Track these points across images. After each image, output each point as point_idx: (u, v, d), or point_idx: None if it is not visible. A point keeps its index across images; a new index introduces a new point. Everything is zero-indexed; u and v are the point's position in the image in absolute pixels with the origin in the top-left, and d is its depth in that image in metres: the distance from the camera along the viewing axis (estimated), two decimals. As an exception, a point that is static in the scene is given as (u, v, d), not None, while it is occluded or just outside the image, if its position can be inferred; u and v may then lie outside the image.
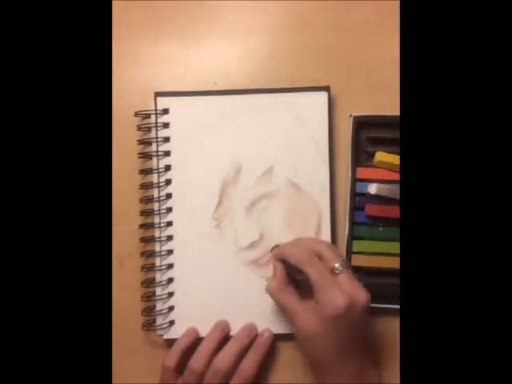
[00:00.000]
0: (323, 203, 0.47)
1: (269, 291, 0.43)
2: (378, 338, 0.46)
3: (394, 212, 0.45)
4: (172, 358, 0.44)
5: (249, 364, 0.43)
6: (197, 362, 0.43)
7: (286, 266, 0.43)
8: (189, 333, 0.45)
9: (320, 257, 0.41)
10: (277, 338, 0.46)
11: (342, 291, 0.39)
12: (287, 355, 0.47)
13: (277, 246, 0.45)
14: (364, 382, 0.41)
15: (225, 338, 0.45)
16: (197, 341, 0.45)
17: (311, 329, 0.40)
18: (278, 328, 0.46)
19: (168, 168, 0.47)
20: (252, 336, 0.45)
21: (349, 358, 0.40)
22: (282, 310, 0.43)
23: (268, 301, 0.46)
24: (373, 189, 0.44)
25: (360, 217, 0.46)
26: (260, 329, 0.46)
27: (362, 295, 0.39)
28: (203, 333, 0.46)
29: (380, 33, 0.48)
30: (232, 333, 0.46)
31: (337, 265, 0.40)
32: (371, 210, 0.45)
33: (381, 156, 0.45)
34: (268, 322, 0.46)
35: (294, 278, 0.43)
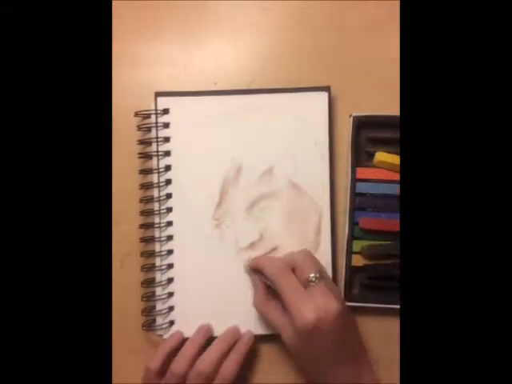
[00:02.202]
0: (323, 203, 0.47)
1: (255, 307, 0.44)
2: (378, 338, 0.46)
3: (390, 225, 0.45)
4: (155, 361, 0.43)
5: (229, 365, 0.43)
6: (178, 364, 0.42)
7: (264, 278, 0.44)
8: (174, 336, 0.45)
9: (294, 268, 0.42)
10: (277, 339, 0.46)
11: (311, 304, 0.39)
12: (288, 356, 0.47)
13: (244, 266, 0.46)
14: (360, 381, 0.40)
15: (207, 341, 0.45)
16: (182, 344, 0.45)
17: (290, 343, 0.41)
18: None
19: (168, 168, 0.47)
20: (235, 337, 0.45)
21: (337, 369, 0.40)
22: (270, 324, 0.44)
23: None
24: None
25: (360, 217, 0.46)
26: (258, 328, 0.46)
27: (333, 305, 0.39)
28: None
29: (380, 33, 0.48)
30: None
31: (311, 275, 0.41)
32: (365, 222, 0.46)
33: (381, 156, 0.45)
34: (268, 322, 0.46)
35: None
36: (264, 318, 0.44)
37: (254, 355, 0.46)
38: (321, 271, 0.42)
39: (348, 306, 0.42)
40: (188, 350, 0.43)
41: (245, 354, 0.44)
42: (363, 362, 0.42)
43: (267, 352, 0.47)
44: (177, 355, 0.43)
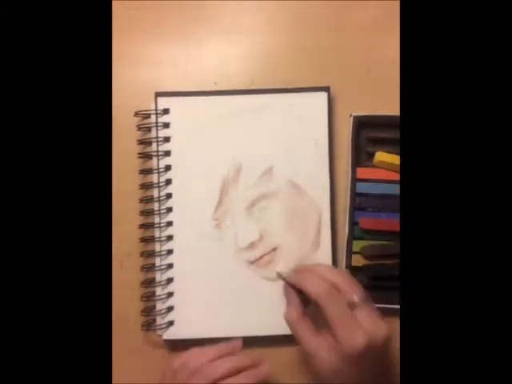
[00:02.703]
0: (323, 203, 0.47)
1: (287, 321, 0.42)
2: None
3: (390, 225, 0.45)
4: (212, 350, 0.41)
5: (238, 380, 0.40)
6: (195, 359, 0.41)
7: (298, 293, 0.42)
8: (231, 346, 0.43)
9: (337, 289, 0.40)
10: (276, 339, 0.46)
11: (360, 328, 0.38)
12: (288, 356, 0.47)
13: (279, 274, 0.45)
14: None
15: (231, 354, 0.42)
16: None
17: (332, 369, 0.38)
18: (277, 329, 0.46)
19: (168, 168, 0.47)
20: (254, 364, 0.42)
21: None
22: (300, 343, 0.41)
23: (267, 301, 0.46)
24: None
25: (360, 217, 0.46)
26: (258, 329, 0.46)
27: (381, 330, 0.38)
28: (204, 332, 0.46)
29: (380, 33, 0.48)
30: (234, 332, 0.45)
31: (355, 298, 0.39)
32: (365, 222, 0.45)
33: (381, 156, 0.45)
34: (268, 322, 0.46)
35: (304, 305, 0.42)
36: (294, 334, 0.41)
37: (255, 355, 0.46)
38: (363, 292, 0.40)
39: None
40: (211, 352, 0.41)
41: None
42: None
43: (269, 352, 0.46)
44: (198, 350, 0.42)
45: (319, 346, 0.39)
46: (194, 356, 0.42)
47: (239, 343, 0.43)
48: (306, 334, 0.40)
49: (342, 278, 0.41)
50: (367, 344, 0.37)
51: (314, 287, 0.40)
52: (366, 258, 0.45)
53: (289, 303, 0.42)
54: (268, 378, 0.42)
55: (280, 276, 0.45)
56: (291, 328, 0.41)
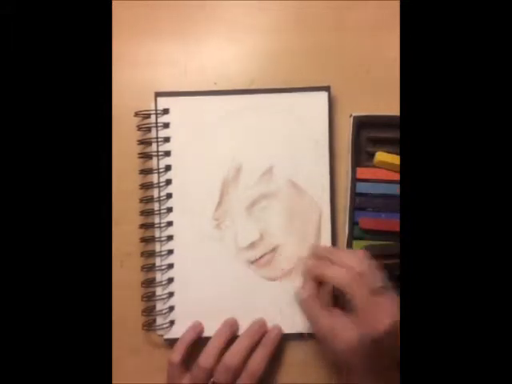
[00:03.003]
0: (323, 203, 0.47)
1: (301, 299, 0.43)
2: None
3: (390, 225, 0.45)
4: (177, 354, 0.43)
5: (257, 361, 0.43)
6: (206, 358, 0.42)
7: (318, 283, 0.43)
8: (193, 327, 0.45)
9: (362, 277, 0.40)
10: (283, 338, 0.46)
11: (385, 312, 0.38)
12: (288, 355, 0.47)
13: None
14: None
15: (233, 336, 0.45)
16: (201, 335, 0.45)
17: (349, 347, 0.38)
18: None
19: (168, 168, 0.47)
20: (262, 332, 0.45)
21: (393, 373, 0.38)
22: (314, 321, 0.41)
23: (268, 301, 0.46)
24: None
25: (360, 217, 0.46)
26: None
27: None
28: (204, 332, 0.46)
29: (380, 33, 0.48)
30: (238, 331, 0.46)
31: (379, 285, 0.39)
32: (365, 223, 0.45)
33: (381, 156, 0.45)
34: (268, 322, 0.46)
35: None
36: (307, 311, 0.42)
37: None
38: (386, 281, 0.40)
39: None
40: (214, 344, 0.43)
41: (272, 350, 0.44)
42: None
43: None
44: (204, 349, 0.43)
45: (337, 323, 0.40)
46: (203, 357, 0.43)
47: (233, 319, 0.45)
48: (322, 311, 0.41)
49: (366, 266, 0.41)
50: (390, 328, 0.37)
51: (339, 277, 0.40)
52: None
53: (305, 283, 0.43)
54: (280, 336, 0.44)
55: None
56: (305, 306, 0.42)
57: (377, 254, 0.45)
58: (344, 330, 0.39)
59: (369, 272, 0.40)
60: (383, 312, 0.38)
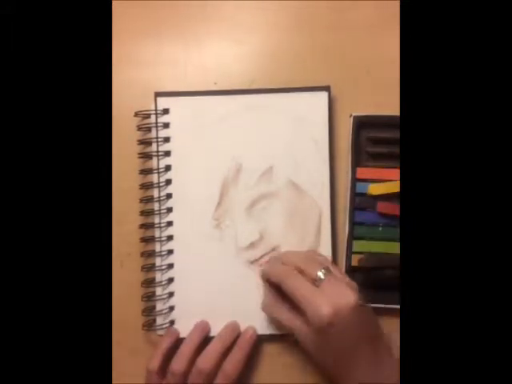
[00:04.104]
0: (323, 203, 0.47)
1: (264, 311, 0.45)
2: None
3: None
4: (154, 361, 0.43)
5: (232, 363, 0.43)
6: (178, 363, 0.42)
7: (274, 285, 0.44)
8: (169, 334, 0.45)
9: (300, 270, 0.41)
10: (277, 339, 0.46)
11: (324, 299, 0.38)
12: (288, 356, 0.47)
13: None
14: (382, 372, 0.39)
15: (205, 338, 0.45)
16: (179, 341, 0.45)
17: (307, 342, 0.40)
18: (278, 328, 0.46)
19: (168, 168, 0.47)
20: (235, 335, 0.45)
21: (356, 367, 0.39)
22: (280, 326, 0.44)
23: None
24: None
25: (360, 217, 0.46)
26: (259, 328, 0.46)
27: (347, 297, 0.38)
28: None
29: (380, 33, 0.48)
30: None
31: (319, 273, 0.40)
32: (383, 207, 0.45)
33: (373, 189, 0.45)
34: (268, 322, 0.46)
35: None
36: (274, 322, 0.44)
37: (255, 355, 0.46)
38: (327, 267, 0.41)
39: (362, 297, 0.40)
40: (186, 349, 0.43)
41: (248, 351, 0.44)
42: (384, 358, 0.40)
43: (269, 352, 0.47)
44: (175, 354, 0.43)
45: (294, 323, 0.41)
46: (175, 363, 0.43)
47: (203, 322, 0.45)
48: (284, 315, 0.42)
49: (303, 258, 0.42)
50: (333, 313, 0.37)
51: (274, 273, 0.42)
52: (366, 268, 0.45)
53: (264, 295, 0.45)
54: (255, 337, 0.45)
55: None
56: (269, 315, 0.44)
57: (375, 266, 0.45)
58: (300, 327, 0.40)
59: (306, 263, 0.41)
60: (322, 300, 0.38)
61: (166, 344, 0.44)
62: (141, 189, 0.47)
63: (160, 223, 0.47)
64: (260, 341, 0.46)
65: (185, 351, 0.43)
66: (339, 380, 0.40)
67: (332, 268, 0.42)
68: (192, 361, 0.43)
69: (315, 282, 0.40)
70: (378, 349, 0.40)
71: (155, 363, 0.43)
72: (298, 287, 0.40)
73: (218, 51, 0.49)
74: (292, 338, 0.42)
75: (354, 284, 0.41)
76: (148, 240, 0.47)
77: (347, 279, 0.42)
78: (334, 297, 0.38)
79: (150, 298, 0.46)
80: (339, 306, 0.38)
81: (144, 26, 0.49)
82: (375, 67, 0.48)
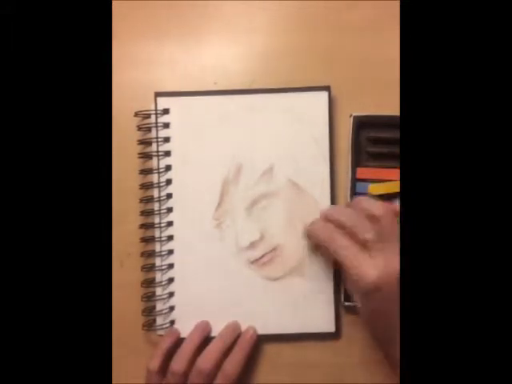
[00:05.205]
0: (323, 203, 0.47)
1: (313, 231, 0.43)
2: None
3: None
4: (155, 361, 0.43)
5: (232, 363, 0.43)
6: (178, 363, 0.43)
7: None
8: (170, 334, 0.45)
9: (348, 231, 0.40)
10: (277, 339, 0.46)
11: (371, 263, 0.38)
12: (288, 356, 0.47)
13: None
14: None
15: (206, 338, 0.45)
16: (179, 341, 0.45)
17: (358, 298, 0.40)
18: (278, 328, 0.46)
19: (168, 168, 0.47)
20: (235, 335, 0.45)
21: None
22: (332, 254, 0.41)
23: (268, 301, 0.46)
24: None
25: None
26: (259, 328, 0.46)
27: (395, 264, 0.37)
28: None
29: (380, 33, 0.48)
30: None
31: (368, 235, 0.39)
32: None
33: (373, 189, 0.45)
34: (269, 322, 0.46)
35: None
36: (322, 250, 0.44)
37: (255, 355, 0.46)
38: (377, 230, 0.39)
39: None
40: (186, 349, 0.43)
41: (248, 351, 0.44)
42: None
43: (269, 352, 0.47)
44: (175, 354, 0.43)
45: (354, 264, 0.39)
46: (175, 363, 0.43)
47: (204, 322, 0.45)
48: (343, 246, 0.40)
49: (350, 218, 0.40)
50: (379, 278, 0.37)
51: (320, 233, 0.41)
52: None
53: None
54: (255, 337, 0.44)
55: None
56: (321, 242, 0.42)
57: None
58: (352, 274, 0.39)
59: (354, 224, 0.40)
60: (368, 264, 0.38)
61: (166, 344, 0.44)
62: (141, 189, 0.47)
63: (160, 223, 0.47)
64: (260, 341, 0.46)
65: (185, 351, 0.43)
66: (390, 344, 0.39)
67: (382, 230, 0.39)
68: (192, 361, 0.43)
69: (364, 244, 0.39)
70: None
71: (155, 363, 0.43)
72: (344, 249, 0.39)
73: (218, 51, 0.49)
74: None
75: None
76: (148, 240, 0.47)
77: (395, 245, 0.39)
78: (381, 262, 0.37)
79: (150, 298, 0.46)
80: (385, 273, 0.37)
81: (144, 26, 0.49)
82: (375, 67, 0.48)
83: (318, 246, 0.45)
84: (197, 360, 0.43)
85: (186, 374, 0.42)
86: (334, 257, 0.40)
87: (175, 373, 0.42)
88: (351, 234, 0.40)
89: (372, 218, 0.39)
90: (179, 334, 0.46)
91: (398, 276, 0.37)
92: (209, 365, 0.42)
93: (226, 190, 0.47)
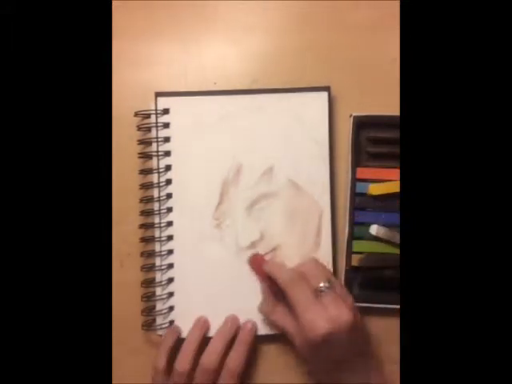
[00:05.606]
0: (323, 203, 0.47)
1: (262, 312, 0.45)
2: (379, 338, 0.46)
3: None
4: (160, 360, 0.43)
5: (234, 358, 0.43)
6: (182, 362, 0.43)
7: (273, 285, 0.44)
8: (172, 331, 0.45)
9: (305, 277, 0.41)
10: (277, 339, 0.46)
11: (322, 315, 0.39)
12: (288, 356, 0.47)
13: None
14: None
15: (205, 335, 0.45)
16: (179, 341, 0.45)
17: (301, 350, 0.41)
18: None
19: (168, 168, 0.47)
20: (234, 328, 0.45)
21: (348, 373, 0.40)
22: (278, 329, 0.44)
23: (268, 301, 0.46)
24: (373, 230, 0.45)
25: (360, 217, 0.46)
26: (259, 328, 0.46)
27: (345, 316, 0.39)
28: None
29: (380, 33, 0.48)
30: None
31: (321, 284, 0.40)
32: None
33: (373, 189, 0.45)
34: (275, 327, 0.46)
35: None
36: (271, 322, 0.44)
37: (255, 355, 0.46)
38: (330, 279, 0.42)
39: (358, 311, 0.42)
40: (189, 348, 0.43)
41: (249, 345, 0.44)
42: (372, 363, 0.42)
43: (269, 352, 0.47)
44: (179, 355, 0.43)
45: (292, 330, 0.41)
46: (179, 362, 0.43)
47: (202, 320, 0.45)
48: (283, 320, 0.43)
49: (309, 266, 0.43)
50: (329, 331, 0.38)
51: (281, 276, 0.42)
52: (365, 268, 0.45)
53: (263, 296, 0.45)
54: (255, 329, 0.45)
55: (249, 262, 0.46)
56: (267, 318, 0.44)
57: (375, 266, 0.45)
58: (295, 335, 0.41)
59: (311, 272, 0.42)
60: (321, 315, 0.39)
61: (169, 342, 0.44)
62: (141, 189, 0.47)
63: (160, 223, 0.47)
64: (260, 341, 0.46)
65: (188, 350, 0.43)
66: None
67: (333, 280, 0.43)
68: (196, 359, 0.43)
69: (317, 292, 0.40)
70: (367, 361, 0.42)
71: (162, 361, 0.43)
72: (300, 298, 0.40)
73: (218, 51, 0.49)
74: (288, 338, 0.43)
75: (352, 299, 0.42)
76: (148, 240, 0.47)
77: (346, 293, 0.43)
78: (333, 313, 0.39)
79: (149, 297, 0.46)
80: (336, 325, 0.38)
81: (144, 26, 0.49)
82: (375, 67, 0.48)
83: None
84: (201, 358, 0.43)
85: (191, 373, 0.43)
86: (290, 301, 0.41)
87: (180, 372, 0.42)
88: (307, 280, 0.41)
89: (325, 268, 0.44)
90: (181, 331, 0.46)
91: (346, 329, 0.38)
92: (214, 362, 0.42)
93: (225, 190, 0.47)
